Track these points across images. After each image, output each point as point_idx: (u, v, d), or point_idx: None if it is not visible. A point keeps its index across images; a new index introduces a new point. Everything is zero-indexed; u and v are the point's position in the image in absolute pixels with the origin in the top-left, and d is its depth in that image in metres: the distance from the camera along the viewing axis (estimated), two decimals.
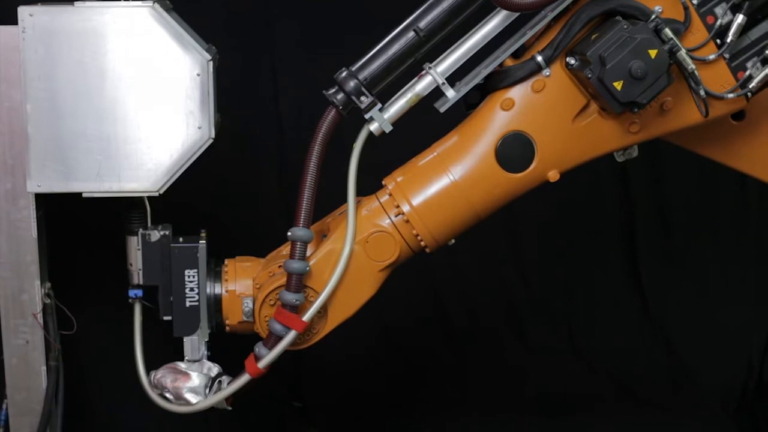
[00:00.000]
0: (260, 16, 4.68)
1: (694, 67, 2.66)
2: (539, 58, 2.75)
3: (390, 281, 2.93)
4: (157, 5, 2.81)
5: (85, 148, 2.85)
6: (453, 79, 2.85)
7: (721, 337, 4.97)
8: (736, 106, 2.80)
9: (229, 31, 4.51)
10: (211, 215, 4.00)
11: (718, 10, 2.70)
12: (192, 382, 2.95)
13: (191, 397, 2.94)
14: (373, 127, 2.84)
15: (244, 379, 2.91)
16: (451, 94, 2.82)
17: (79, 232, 4.10)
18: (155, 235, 2.96)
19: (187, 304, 2.96)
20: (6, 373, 3.05)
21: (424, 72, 2.83)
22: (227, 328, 3.00)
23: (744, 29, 2.70)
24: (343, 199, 2.87)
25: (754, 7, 2.69)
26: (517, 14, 2.77)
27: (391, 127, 2.83)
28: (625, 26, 2.63)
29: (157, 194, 2.90)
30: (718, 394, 4.79)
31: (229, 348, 3.01)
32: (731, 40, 2.69)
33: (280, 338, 2.83)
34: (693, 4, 2.70)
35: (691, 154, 3.02)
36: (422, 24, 2.78)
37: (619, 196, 5.09)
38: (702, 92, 2.69)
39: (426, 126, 2.94)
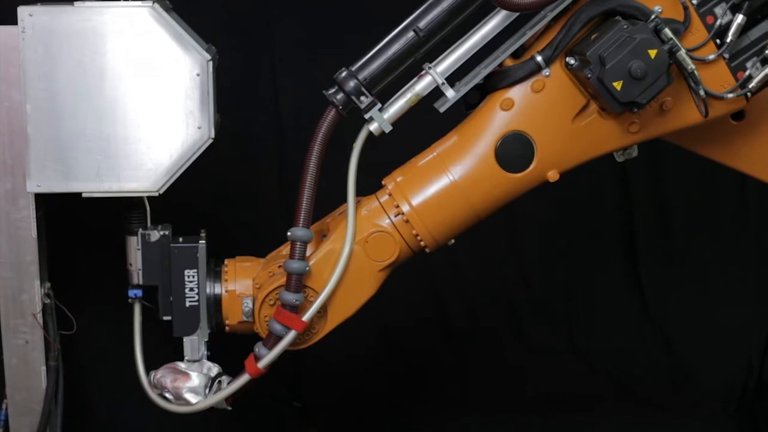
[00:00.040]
0: (260, 16, 4.68)
1: (693, 67, 2.66)
2: (539, 58, 2.75)
3: (390, 281, 2.93)
4: (156, 5, 2.81)
5: (85, 148, 2.85)
6: (453, 79, 2.85)
7: (721, 337, 4.97)
8: (735, 106, 2.80)
9: (229, 31, 4.51)
10: (211, 215, 4.00)
11: (718, 10, 2.70)
12: (192, 382, 2.95)
13: (191, 397, 2.94)
14: (373, 127, 2.84)
15: (243, 379, 2.91)
16: (450, 94, 2.82)
17: (79, 232, 4.11)
18: (155, 235, 2.96)
19: (187, 304, 2.95)
20: (6, 373, 3.05)
21: (423, 72, 2.83)
22: (227, 328, 2.99)
23: (744, 29, 2.70)
24: (343, 199, 2.87)
25: (753, 7, 2.69)
26: (517, 14, 2.77)
27: (390, 127, 2.83)
28: (625, 26, 2.63)
29: (156, 194, 2.90)
30: (718, 394, 4.79)
31: (229, 348, 3.00)
32: (731, 40, 2.69)
33: (279, 338, 2.83)
34: (693, 4, 2.70)
35: (691, 154, 3.02)
36: (422, 24, 2.78)
37: (619, 196, 5.09)
38: (702, 92, 2.69)
39: (426, 126, 2.94)
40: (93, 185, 2.88)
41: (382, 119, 2.82)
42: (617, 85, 2.61)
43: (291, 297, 2.80)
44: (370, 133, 2.85)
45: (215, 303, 2.97)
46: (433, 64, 2.83)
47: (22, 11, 2.80)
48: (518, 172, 2.82)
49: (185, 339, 2.99)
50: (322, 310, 2.87)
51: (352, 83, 2.80)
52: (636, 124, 2.79)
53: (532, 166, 2.82)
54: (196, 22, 2.98)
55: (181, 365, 2.99)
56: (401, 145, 2.96)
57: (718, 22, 2.70)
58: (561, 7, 2.74)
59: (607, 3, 2.71)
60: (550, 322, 5.06)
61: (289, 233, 2.81)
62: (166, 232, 2.97)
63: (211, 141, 2.89)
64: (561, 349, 5.00)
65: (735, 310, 5.02)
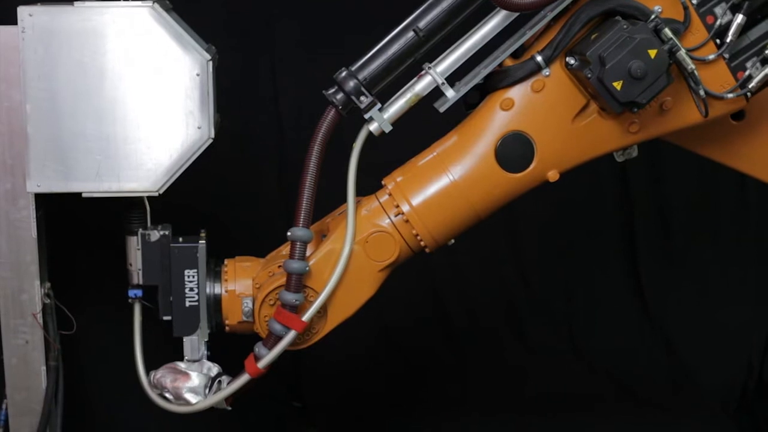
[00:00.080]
0: (260, 16, 4.68)
1: (693, 67, 2.66)
2: (539, 58, 2.75)
3: (390, 281, 2.93)
4: (156, 5, 2.81)
5: (85, 148, 2.85)
6: (452, 79, 2.85)
7: (721, 337, 4.98)
8: (735, 106, 2.80)
9: (229, 31, 4.51)
10: (211, 215, 4.00)
11: (718, 10, 2.70)
12: (192, 382, 2.95)
13: (191, 397, 2.94)
14: (373, 127, 2.84)
15: (243, 379, 2.91)
16: (450, 94, 2.82)
17: (79, 232, 4.11)
18: (155, 235, 2.96)
19: (187, 304, 2.95)
20: (6, 373, 3.05)
21: (423, 72, 2.83)
22: (227, 328, 2.99)
23: (743, 29, 2.70)
24: (343, 199, 2.87)
25: (753, 7, 2.69)
26: (517, 14, 2.77)
27: (390, 127, 2.83)
28: (625, 26, 2.63)
29: (156, 194, 2.90)
30: (718, 394, 4.79)
31: (229, 348, 3.00)
32: (731, 40, 2.69)
33: (279, 338, 2.83)
34: (693, 4, 2.70)
35: (691, 154, 3.02)
36: (422, 24, 2.78)
37: (619, 196, 5.09)
38: (702, 92, 2.69)
39: (426, 126, 2.94)
40: (93, 185, 2.88)
41: (382, 119, 2.82)
42: (617, 85, 2.61)
43: (291, 297, 2.80)
44: (370, 133, 2.85)
45: (215, 303, 2.97)
46: (433, 64, 2.83)
47: (22, 11, 2.80)
48: (518, 172, 2.82)
49: (185, 339, 2.99)
50: (322, 310, 2.87)
51: (351, 83, 2.80)
52: (636, 124, 2.79)
53: (532, 166, 2.82)
54: (196, 22, 2.98)
55: (181, 365, 2.99)
56: (401, 145, 2.96)
57: (718, 22, 2.70)
58: (561, 7, 2.74)
59: (606, 3, 2.70)
60: (550, 322, 5.06)
61: (289, 233, 2.81)
62: (166, 232, 2.97)
63: (211, 141, 2.89)
64: (561, 349, 5.00)
65: (735, 310, 5.02)
